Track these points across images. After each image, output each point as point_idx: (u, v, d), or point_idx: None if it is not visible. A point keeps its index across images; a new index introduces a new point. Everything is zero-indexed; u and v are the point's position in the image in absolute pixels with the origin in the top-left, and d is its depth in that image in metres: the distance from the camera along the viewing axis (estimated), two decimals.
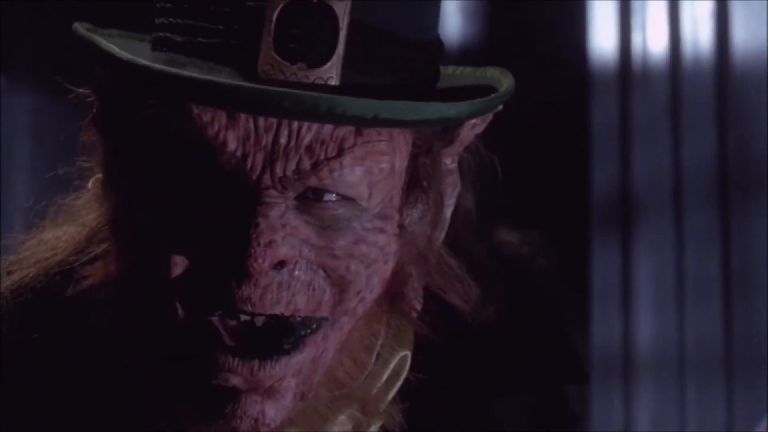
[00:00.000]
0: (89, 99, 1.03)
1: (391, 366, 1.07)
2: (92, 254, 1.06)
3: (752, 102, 2.77)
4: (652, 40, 3.07)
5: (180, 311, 0.96)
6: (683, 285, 2.94)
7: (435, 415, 1.09)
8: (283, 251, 0.92)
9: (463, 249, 1.10)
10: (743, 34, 2.84)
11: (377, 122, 0.90)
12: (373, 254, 0.97)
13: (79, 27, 1.00)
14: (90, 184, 1.06)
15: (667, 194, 2.98)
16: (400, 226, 0.99)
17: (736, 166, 2.83)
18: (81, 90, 1.03)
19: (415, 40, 0.96)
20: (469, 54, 3.13)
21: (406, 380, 1.08)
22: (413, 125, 0.93)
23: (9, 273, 1.10)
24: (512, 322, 1.12)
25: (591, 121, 3.15)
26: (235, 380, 0.95)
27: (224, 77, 0.90)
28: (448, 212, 1.04)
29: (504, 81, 1.02)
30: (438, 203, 1.02)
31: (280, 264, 0.93)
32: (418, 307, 1.05)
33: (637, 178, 3.06)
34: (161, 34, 0.97)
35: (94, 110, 1.03)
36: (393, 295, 1.02)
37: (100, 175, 1.04)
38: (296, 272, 0.94)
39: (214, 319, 0.95)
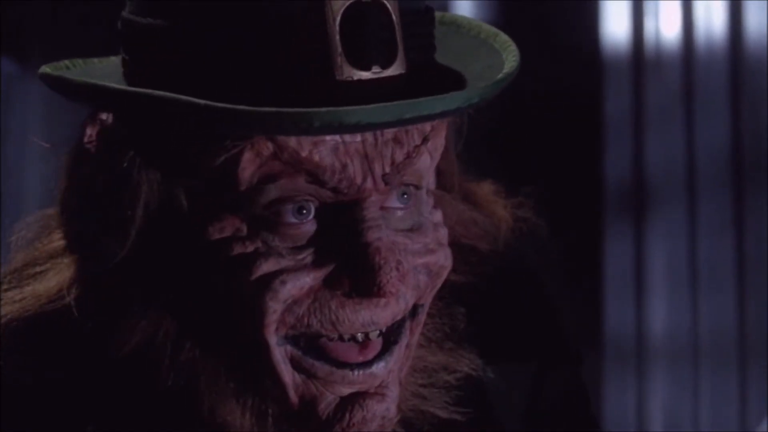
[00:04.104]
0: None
1: None
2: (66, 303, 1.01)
3: (765, 88, 2.76)
4: (665, 26, 3.05)
5: (286, 347, 0.95)
6: (696, 271, 2.93)
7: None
8: (406, 267, 0.93)
9: (461, 191, 1.11)
10: (756, 20, 2.83)
11: (458, 112, 0.91)
12: (445, 232, 0.99)
13: (72, 77, 0.97)
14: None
15: (680, 181, 2.98)
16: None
17: (749, 153, 2.82)
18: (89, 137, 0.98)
19: (426, 9, 0.97)
20: None
21: None
22: (474, 106, 0.93)
23: (8, 302, 1.05)
24: (503, 296, 1.14)
25: (604, 108, 3.14)
26: (354, 387, 0.96)
27: (308, 103, 0.88)
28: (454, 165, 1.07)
29: (499, 39, 1.02)
30: (451, 162, 1.04)
31: None
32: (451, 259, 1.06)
33: (650, 164, 3.06)
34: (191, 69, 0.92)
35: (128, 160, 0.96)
36: None
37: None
38: (408, 280, 0.95)
39: (333, 344, 0.95)
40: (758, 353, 2.76)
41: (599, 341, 3.06)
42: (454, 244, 1.05)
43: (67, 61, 1.01)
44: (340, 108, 0.87)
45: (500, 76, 0.94)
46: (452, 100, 0.89)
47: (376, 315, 0.94)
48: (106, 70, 1.00)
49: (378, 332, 0.96)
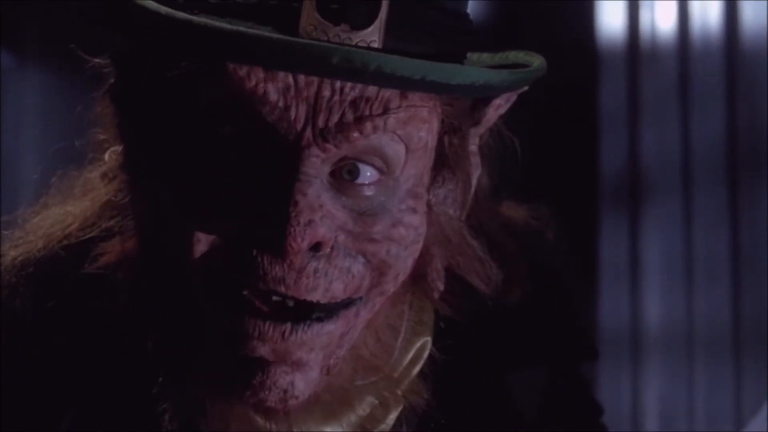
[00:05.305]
0: (105, 69, 1.01)
1: (414, 349, 1.08)
2: (103, 228, 1.05)
3: (761, 79, 2.77)
4: (661, 17, 3.06)
5: (206, 286, 0.94)
6: (692, 263, 2.94)
7: (456, 393, 1.09)
8: (321, 231, 0.90)
9: (484, 230, 1.10)
10: (752, 12, 2.83)
11: (424, 85, 0.89)
12: (410, 236, 0.96)
13: None
14: (107, 157, 1.04)
15: (675, 172, 2.98)
16: (427, 205, 0.99)
17: (744, 144, 2.83)
18: (97, 60, 1.01)
19: (451, 9, 0.96)
20: (478, 32, 3.12)
21: (428, 361, 1.08)
22: (458, 90, 0.92)
23: (16, 245, 1.09)
24: (525, 300, 1.13)
25: (600, 100, 3.15)
26: (264, 350, 0.93)
27: None
28: (471, 193, 1.04)
29: (534, 59, 1.02)
30: (465, 184, 1.02)
31: (317, 246, 0.91)
32: (441, 287, 1.04)
33: (645, 156, 3.06)
34: None
35: (111, 81, 1.00)
36: (416, 275, 1.01)
37: (117, 148, 1.02)
38: (334, 259, 0.93)
39: (247, 292, 0.93)
40: (753, 345, 2.77)
41: (594, 333, 3.06)
42: (449, 272, 1.04)
43: None
44: (322, 43, 0.86)
45: (498, 76, 0.94)
46: (401, 64, 0.87)
47: (289, 277, 0.91)
48: None
49: (291, 302, 0.93)
